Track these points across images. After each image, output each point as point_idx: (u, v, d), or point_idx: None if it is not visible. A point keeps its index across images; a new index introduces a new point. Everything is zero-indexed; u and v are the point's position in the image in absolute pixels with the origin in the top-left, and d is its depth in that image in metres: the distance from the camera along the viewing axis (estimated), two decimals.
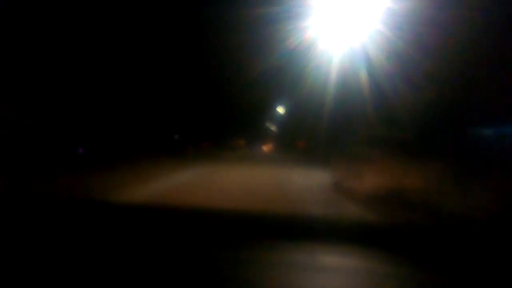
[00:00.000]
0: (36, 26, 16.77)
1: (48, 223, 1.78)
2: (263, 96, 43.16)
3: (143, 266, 1.35)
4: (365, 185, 6.67)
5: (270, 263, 1.42)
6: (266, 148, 55.77)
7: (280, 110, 43.62)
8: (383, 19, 11.65)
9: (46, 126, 16.88)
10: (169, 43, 30.01)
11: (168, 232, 1.72)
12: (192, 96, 41.50)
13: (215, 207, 2.99)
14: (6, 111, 13.64)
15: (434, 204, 4.77)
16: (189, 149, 26.31)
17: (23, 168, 10.43)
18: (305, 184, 10.26)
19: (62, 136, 18.33)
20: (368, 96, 13.14)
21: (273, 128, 64.74)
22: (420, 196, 5.19)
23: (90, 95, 21.18)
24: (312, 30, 13.09)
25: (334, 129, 19.95)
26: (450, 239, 1.62)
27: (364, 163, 7.39)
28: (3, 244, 1.52)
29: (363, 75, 13.22)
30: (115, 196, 6.42)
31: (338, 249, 1.57)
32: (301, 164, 18.98)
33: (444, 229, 1.85)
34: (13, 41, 15.41)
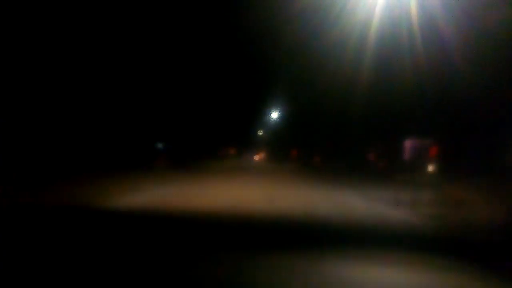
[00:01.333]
0: None
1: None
2: (256, 99, 39.50)
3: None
4: None
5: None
6: (258, 158, 51.54)
7: (275, 115, 39.71)
8: None
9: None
10: (154, 40, 26.79)
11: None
12: (180, 101, 37.76)
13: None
14: None
15: None
16: (160, 161, 21.67)
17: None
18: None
19: None
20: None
21: (265, 136, 61.02)
22: None
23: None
24: None
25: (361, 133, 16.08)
26: None
27: None
28: None
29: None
30: None
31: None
32: (310, 181, 15.01)
33: None
34: None
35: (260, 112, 46.24)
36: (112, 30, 21.69)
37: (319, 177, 18.15)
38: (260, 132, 65.63)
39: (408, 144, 20.43)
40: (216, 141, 47.76)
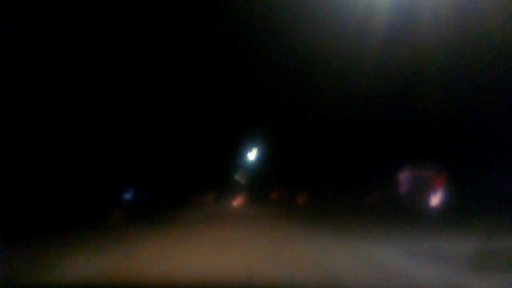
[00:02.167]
0: None
1: None
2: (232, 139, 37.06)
3: None
4: None
5: None
6: (236, 203, 48.07)
7: (252, 156, 37.10)
8: None
9: None
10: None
11: None
12: (151, 145, 34.83)
13: None
14: None
15: None
16: (115, 214, 17.91)
17: None
18: None
19: None
20: None
21: (243, 179, 58.06)
22: None
23: None
24: None
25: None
26: None
27: None
28: None
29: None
30: None
31: None
32: (302, 228, 12.11)
33: None
34: None
35: (236, 154, 43.61)
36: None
37: (310, 221, 15.23)
38: (238, 176, 62.70)
39: (405, 175, 18.09)
40: (191, 187, 44.28)
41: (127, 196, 35.68)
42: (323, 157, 22.78)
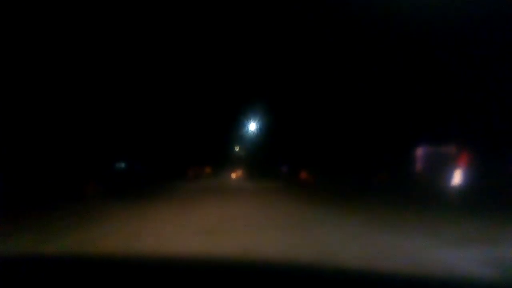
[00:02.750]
0: None
1: None
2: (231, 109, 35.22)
3: None
4: None
5: None
6: (235, 175, 46.56)
7: (253, 127, 35.12)
8: None
9: None
10: (125, 47, 24.47)
11: None
12: (147, 116, 33.27)
13: None
14: None
15: None
16: (91, 187, 16.08)
17: None
18: None
19: None
20: None
21: (243, 151, 56.69)
22: None
23: None
24: None
25: None
26: None
27: None
28: None
29: None
30: None
31: None
32: (310, 206, 10.49)
33: None
34: None
35: (236, 125, 41.80)
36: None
37: (317, 199, 13.65)
38: (237, 148, 61.19)
39: (423, 151, 16.34)
40: (188, 160, 42.78)
41: (120, 166, 34.18)
42: (332, 128, 21.01)
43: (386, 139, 17.97)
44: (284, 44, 20.87)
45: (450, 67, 14.29)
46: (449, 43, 13.64)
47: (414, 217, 8.26)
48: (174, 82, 33.55)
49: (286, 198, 14.52)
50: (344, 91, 18.58)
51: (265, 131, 33.10)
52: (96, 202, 12.65)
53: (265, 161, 35.90)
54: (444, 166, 15.47)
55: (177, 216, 8.88)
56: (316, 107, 21.66)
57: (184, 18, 23.24)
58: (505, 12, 10.98)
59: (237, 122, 40.27)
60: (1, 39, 15.15)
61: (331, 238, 5.93)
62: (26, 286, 1.40)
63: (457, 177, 14.42)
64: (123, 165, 35.70)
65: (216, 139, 49.92)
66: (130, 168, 33.77)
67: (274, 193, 17.53)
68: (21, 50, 16.89)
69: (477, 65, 13.61)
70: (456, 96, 14.83)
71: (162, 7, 21.33)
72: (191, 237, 6.01)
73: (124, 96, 28.38)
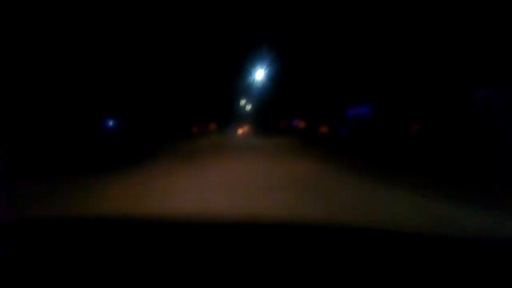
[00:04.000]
0: None
1: None
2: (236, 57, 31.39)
3: None
4: None
5: None
6: (241, 131, 43.32)
7: (260, 75, 31.12)
8: None
9: None
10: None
11: None
12: (146, 70, 30.03)
13: None
14: None
15: None
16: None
17: None
18: None
19: None
20: None
21: (249, 104, 53.25)
22: None
23: None
24: None
25: None
26: None
27: None
28: None
29: None
30: None
31: None
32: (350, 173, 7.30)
33: None
34: None
35: (241, 74, 37.84)
36: None
37: (347, 161, 10.60)
38: (243, 102, 57.60)
39: (483, 93, 12.76)
40: (192, 116, 39.58)
41: (121, 125, 31.20)
42: (353, 74, 17.43)
43: (431, 80, 14.39)
44: None
45: None
46: None
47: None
48: (174, 30, 29.92)
49: (294, 155, 11.76)
50: (369, 27, 14.80)
51: (274, 80, 29.18)
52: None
53: (274, 115, 32.51)
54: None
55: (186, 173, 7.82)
56: (333, 50, 17.88)
57: None
58: None
59: (242, 71, 36.33)
60: None
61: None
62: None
63: None
64: (111, 123, 32.31)
65: (220, 92, 46.41)
66: (119, 127, 30.53)
67: (287, 151, 14.42)
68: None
69: None
70: None
71: None
72: (199, 189, 5.60)
73: (121, 48, 25.55)
